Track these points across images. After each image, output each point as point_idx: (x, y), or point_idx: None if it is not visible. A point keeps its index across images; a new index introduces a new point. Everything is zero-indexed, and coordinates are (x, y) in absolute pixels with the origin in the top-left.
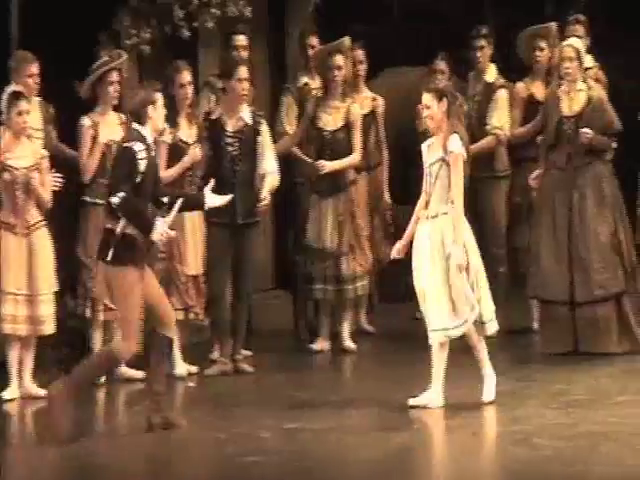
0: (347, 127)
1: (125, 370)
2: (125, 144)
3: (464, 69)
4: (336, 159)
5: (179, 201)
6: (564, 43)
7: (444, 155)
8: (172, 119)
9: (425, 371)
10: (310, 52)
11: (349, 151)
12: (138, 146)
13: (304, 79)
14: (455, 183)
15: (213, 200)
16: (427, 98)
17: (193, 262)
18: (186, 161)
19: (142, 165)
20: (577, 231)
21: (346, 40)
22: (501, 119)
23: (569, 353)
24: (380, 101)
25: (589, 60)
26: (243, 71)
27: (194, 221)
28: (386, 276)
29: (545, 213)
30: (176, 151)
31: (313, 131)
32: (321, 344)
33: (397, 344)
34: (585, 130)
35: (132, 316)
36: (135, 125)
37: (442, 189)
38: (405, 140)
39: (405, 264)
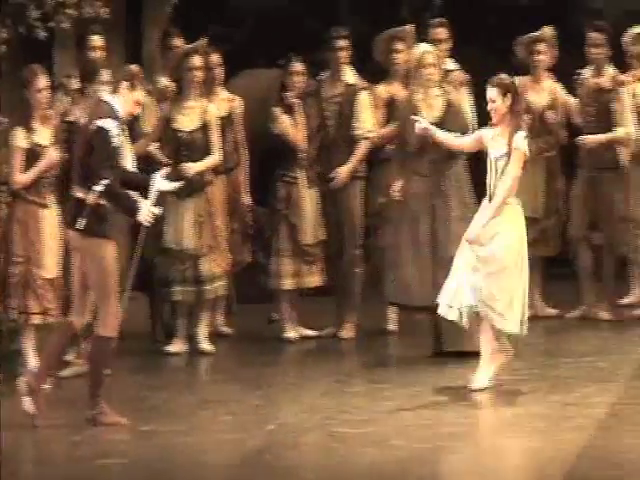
0: (204, 128)
1: None
2: (97, 123)
3: (315, 70)
4: (193, 160)
5: (158, 176)
6: (421, 50)
7: (509, 151)
8: (26, 122)
9: (280, 372)
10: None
11: (206, 151)
12: (109, 123)
13: (164, 80)
14: (509, 176)
15: (161, 185)
16: (493, 92)
17: (50, 265)
18: (42, 164)
19: (116, 141)
20: (442, 236)
21: (203, 42)
22: (368, 121)
23: (433, 355)
24: (238, 102)
25: (451, 63)
26: (105, 74)
27: (51, 224)
28: (243, 277)
29: (406, 219)
30: (32, 154)
31: (169, 132)
32: (178, 346)
33: (254, 346)
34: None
35: (108, 288)
36: (106, 97)
37: None
38: (262, 141)
39: (261, 266)
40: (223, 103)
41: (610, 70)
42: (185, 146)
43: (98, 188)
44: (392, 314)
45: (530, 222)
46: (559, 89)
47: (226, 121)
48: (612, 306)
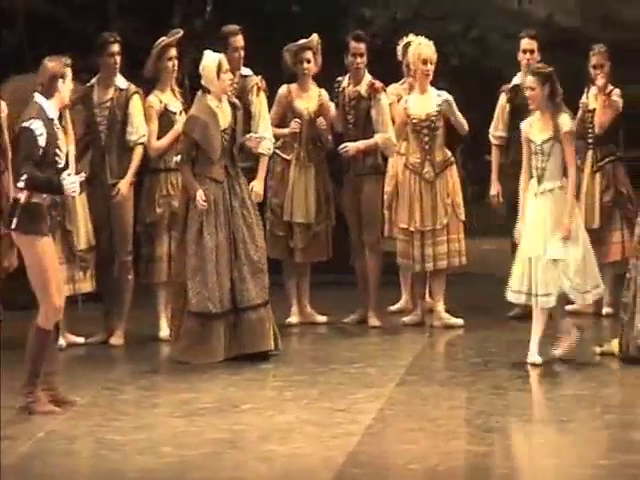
0: None
1: None
2: (24, 123)
3: (85, 76)
4: None
5: (72, 147)
6: (217, 57)
7: (555, 134)
8: None
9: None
10: None
11: None
12: (35, 124)
13: None
14: (570, 157)
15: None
16: (531, 80)
17: None
18: None
19: (42, 140)
20: (244, 237)
21: None
22: (142, 126)
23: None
24: (3, 106)
25: (245, 69)
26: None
27: None
28: (10, 283)
29: (208, 227)
30: None
31: None
32: None
33: (22, 353)
34: (256, 135)
35: (46, 284)
36: (38, 98)
37: (555, 165)
38: None
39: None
40: None
41: (368, 77)
42: None
43: (20, 184)
44: (163, 321)
45: (303, 228)
46: (326, 96)
47: None
48: (381, 312)
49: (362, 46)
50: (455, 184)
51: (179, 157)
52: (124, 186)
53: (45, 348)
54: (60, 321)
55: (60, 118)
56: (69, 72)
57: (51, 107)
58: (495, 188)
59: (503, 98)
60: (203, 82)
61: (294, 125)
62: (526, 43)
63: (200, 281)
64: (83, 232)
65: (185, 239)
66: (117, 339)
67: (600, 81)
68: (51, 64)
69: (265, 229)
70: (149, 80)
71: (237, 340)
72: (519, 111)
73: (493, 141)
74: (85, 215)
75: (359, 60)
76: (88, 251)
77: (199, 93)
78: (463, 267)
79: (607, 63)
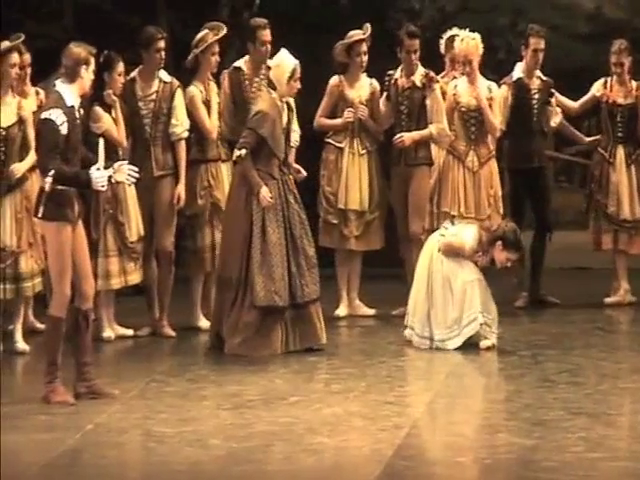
0: (20, 123)
1: None
2: (43, 114)
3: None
4: (8, 155)
5: (101, 141)
6: (294, 64)
7: None
8: None
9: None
10: None
11: (23, 148)
12: (55, 113)
13: None
14: None
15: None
16: None
17: None
18: None
19: (64, 129)
20: (301, 232)
21: (21, 39)
22: (185, 120)
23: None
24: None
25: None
26: None
27: None
28: None
29: (270, 222)
30: None
31: None
32: None
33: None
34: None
35: (62, 272)
36: (59, 85)
37: None
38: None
39: None
40: (32, 101)
41: (421, 69)
42: (2, 142)
43: (48, 179)
44: (202, 313)
45: (357, 215)
46: (377, 86)
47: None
48: None
49: (416, 42)
50: (495, 177)
51: (243, 151)
52: (182, 191)
53: (59, 336)
54: (104, 312)
55: (110, 110)
56: (92, 60)
57: (71, 94)
58: None
59: None
60: (272, 78)
61: (347, 114)
62: (538, 43)
63: (266, 275)
64: (134, 223)
65: (241, 233)
66: (169, 330)
67: (625, 77)
68: (76, 49)
69: (318, 217)
70: (187, 71)
71: (296, 335)
72: None
73: None
74: (135, 207)
75: (414, 56)
76: (138, 242)
77: (257, 83)
78: None
79: (628, 59)
